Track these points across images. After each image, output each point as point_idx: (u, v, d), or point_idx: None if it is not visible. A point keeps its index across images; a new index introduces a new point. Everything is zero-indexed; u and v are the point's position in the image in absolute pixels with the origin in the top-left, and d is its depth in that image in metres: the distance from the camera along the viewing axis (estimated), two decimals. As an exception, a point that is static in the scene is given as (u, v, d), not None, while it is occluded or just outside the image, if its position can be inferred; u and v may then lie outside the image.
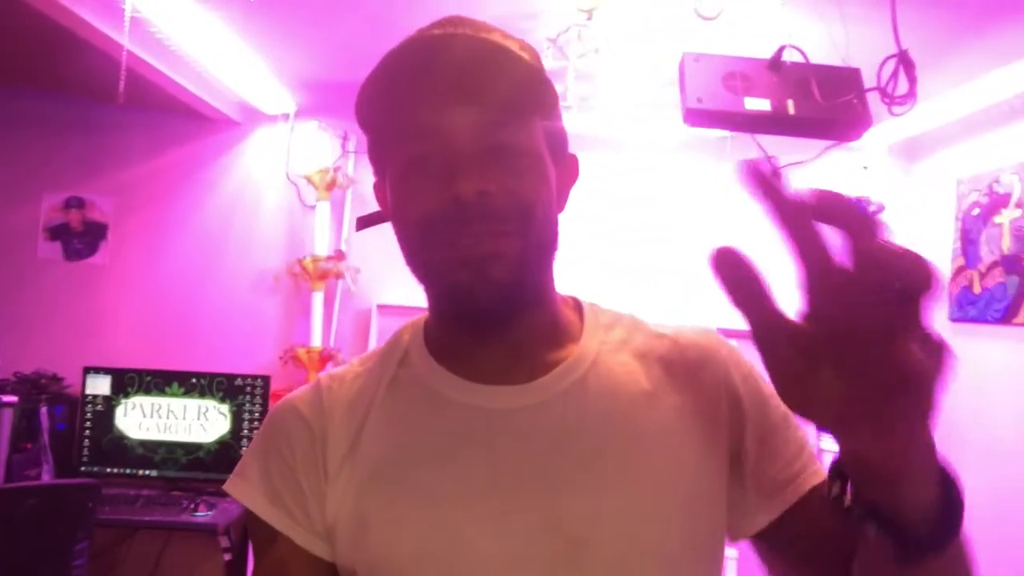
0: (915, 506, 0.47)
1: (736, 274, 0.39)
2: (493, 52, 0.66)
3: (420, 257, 0.68)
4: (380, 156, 0.72)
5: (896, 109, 1.51)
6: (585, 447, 0.67)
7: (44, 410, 2.69)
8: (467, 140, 0.64)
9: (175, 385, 2.85)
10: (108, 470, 2.79)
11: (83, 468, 2.77)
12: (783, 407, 0.65)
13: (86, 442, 2.81)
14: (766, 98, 1.58)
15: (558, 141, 0.72)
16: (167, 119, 3.10)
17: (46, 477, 2.62)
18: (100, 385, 2.83)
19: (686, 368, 0.72)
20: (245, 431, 2.83)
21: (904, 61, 1.49)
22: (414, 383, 0.72)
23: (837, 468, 0.50)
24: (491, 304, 0.65)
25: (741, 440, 0.70)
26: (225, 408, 2.84)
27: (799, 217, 0.37)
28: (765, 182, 0.37)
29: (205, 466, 2.81)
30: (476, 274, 0.64)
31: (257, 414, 2.84)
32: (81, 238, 3.16)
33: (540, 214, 0.66)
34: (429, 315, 0.76)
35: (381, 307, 3.03)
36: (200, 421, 2.84)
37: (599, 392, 0.69)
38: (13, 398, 2.63)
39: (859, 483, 0.48)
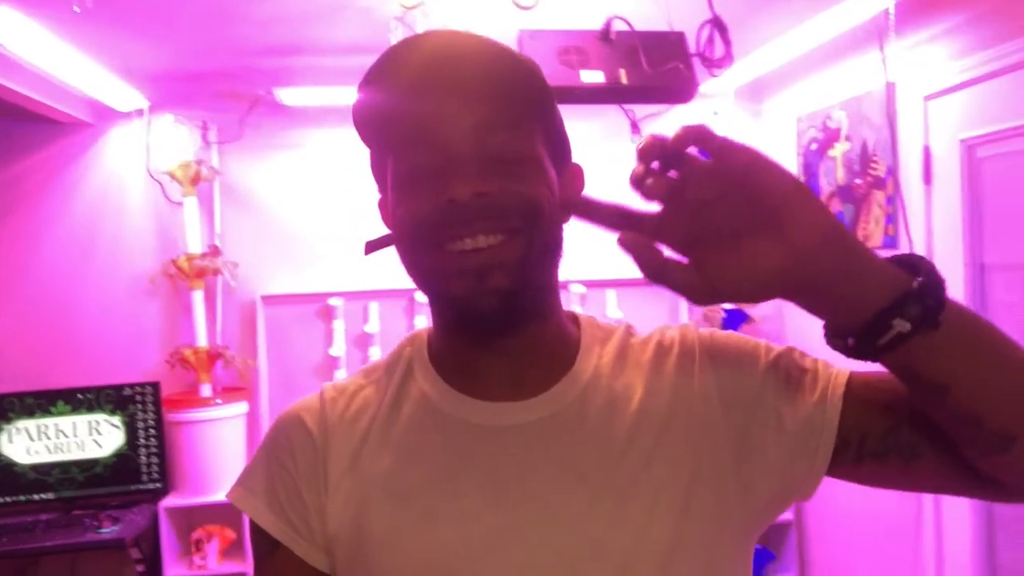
0: (877, 299, 0.52)
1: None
2: (492, 57, 0.66)
3: (418, 264, 0.66)
4: (382, 170, 0.70)
5: (716, 72, 1.62)
6: (583, 464, 0.67)
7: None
8: (464, 145, 0.63)
9: (60, 403, 2.77)
10: (1, 499, 2.71)
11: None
12: (773, 352, 0.70)
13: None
14: (600, 70, 1.67)
15: (560, 149, 0.71)
16: (15, 127, 2.93)
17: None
18: (-22, 414, 2.72)
19: (673, 368, 0.71)
20: (141, 440, 2.79)
21: (718, 26, 1.59)
22: (417, 399, 0.72)
23: (826, 334, 0.57)
24: (493, 313, 0.64)
25: (754, 414, 0.67)
26: (117, 420, 2.79)
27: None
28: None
29: (104, 481, 2.77)
30: (476, 283, 0.62)
31: (152, 421, 2.80)
32: (-66, 262, 2.98)
33: (544, 214, 0.64)
34: (433, 327, 0.75)
35: (265, 298, 3.01)
36: (93, 436, 2.78)
37: (597, 408, 0.69)
38: None
39: (820, 315, 0.55)
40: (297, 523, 0.70)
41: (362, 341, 3.07)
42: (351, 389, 0.75)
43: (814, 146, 2.73)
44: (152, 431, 2.80)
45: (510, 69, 0.66)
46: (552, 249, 0.67)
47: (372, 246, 0.73)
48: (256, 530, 0.72)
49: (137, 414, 2.79)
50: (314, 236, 3.05)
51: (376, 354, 3.00)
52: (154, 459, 2.79)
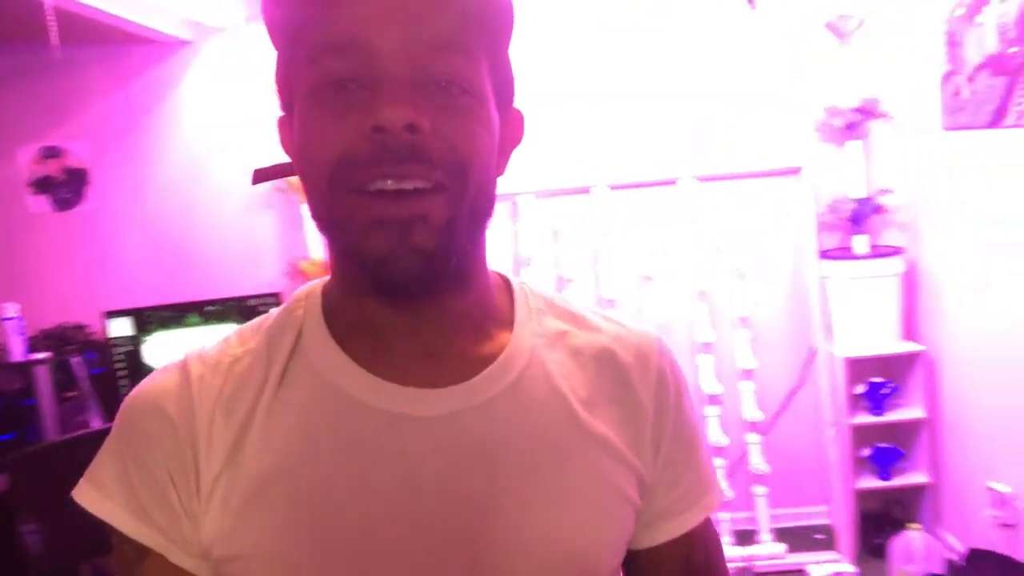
0: None
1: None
2: None
3: (328, 207, 0.55)
4: (289, 81, 0.57)
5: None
6: (515, 465, 0.59)
7: (76, 359, 2.81)
8: (399, 61, 0.52)
9: (193, 316, 2.93)
10: (149, 404, 2.94)
11: (126, 406, 2.91)
12: (696, 428, 0.68)
13: (123, 382, 2.94)
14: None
15: (506, 88, 0.60)
16: (117, 51, 3.00)
17: (95, 422, 2.77)
18: (122, 327, 2.93)
19: (621, 373, 0.64)
20: (268, 348, 2.94)
21: None
22: (310, 375, 0.59)
23: None
24: (412, 275, 0.54)
25: (656, 455, 0.65)
26: (244, 329, 2.93)
27: None
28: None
29: (238, 386, 2.95)
30: (396, 237, 0.52)
31: (276, 330, 2.92)
32: (66, 187, 3.16)
33: (477, 170, 0.55)
34: (332, 283, 0.63)
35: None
36: (224, 345, 2.94)
37: (532, 399, 0.60)
38: (47, 354, 2.75)
39: None
40: (169, 529, 0.58)
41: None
42: (224, 362, 0.60)
43: (961, 11, 2.40)
44: (277, 339, 2.93)
45: None
46: (484, 209, 0.58)
47: (262, 175, 0.63)
48: (117, 535, 0.59)
49: (262, 324, 2.92)
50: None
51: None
52: (281, 366, 2.93)
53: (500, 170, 0.61)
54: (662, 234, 3.03)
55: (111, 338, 2.92)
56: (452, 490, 0.57)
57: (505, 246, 3.01)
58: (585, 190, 2.97)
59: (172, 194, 3.14)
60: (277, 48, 0.58)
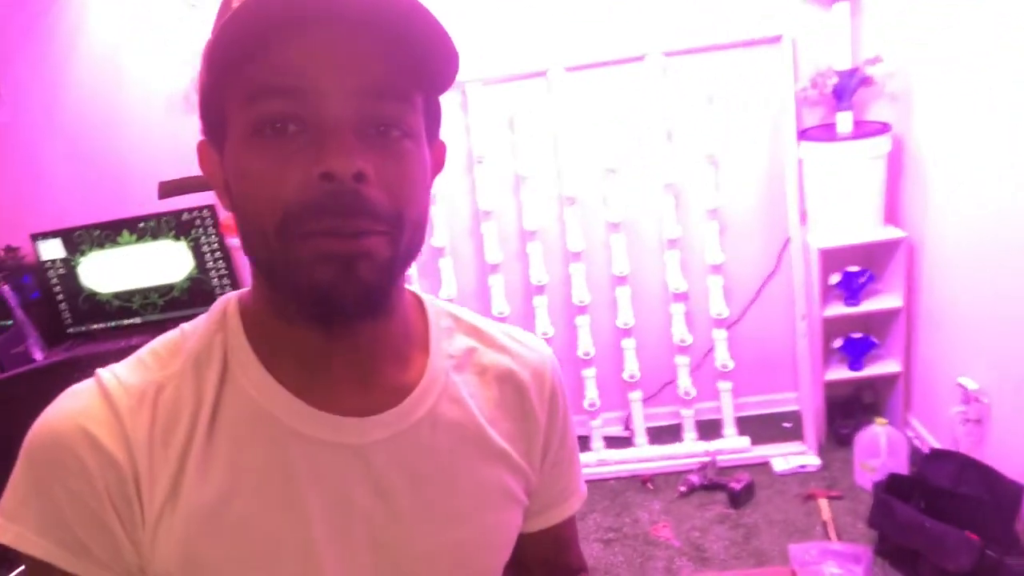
0: None
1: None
2: (401, 5, 0.53)
3: (276, 251, 0.55)
4: (220, 112, 0.57)
5: None
6: (436, 483, 0.65)
7: (5, 287, 2.67)
8: (348, 107, 0.53)
9: (126, 233, 2.76)
10: (95, 326, 2.84)
11: (70, 330, 2.82)
12: (574, 432, 0.80)
13: (63, 306, 2.82)
14: None
15: (436, 123, 0.63)
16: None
17: (36, 351, 2.68)
18: (53, 249, 2.76)
19: (519, 391, 0.72)
20: (210, 263, 2.78)
21: None
22: (244, 404, 0.61)
23: None
24: (354, 305, 0.56)
25: (544, 459, 0.75)
26: (182, 245, 2.76)
27: None
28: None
29: (182, 304, 2.83)
30: (343, 270, 0.54)
31: (216, 245, 2.76)
32: (-31, 96, 2.87)
33: (415, 215, 0.58)
34: (256, 307, 0.63)
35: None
36: (162, 262, 2.79)
37: (448, 421, 0.66)
38: (-26, 281, 2.61)
39: None
40: (110, 561, 0.58)
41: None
42: (149, 392, 0.60)
43: None
44: (218, 254, 2.77)
45: (413, 14, 0.53)
46: (417, 246, 0.60)
47: (169, 190, 0.55)
48: (48, 569, 0.57)
49: (201, 239, 2.75)
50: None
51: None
52: (225, 280, 2.80)
53: (430, 204, 0.64)
54: (627, 120, 2.77)
55: (43, 261, 2.76)
56: (382, 512, 0.62)
57: (456, 141, 2.76)
58: (541, 74, 2.68)
59: (91, 100, 2.84)
60: (210, 75, 0.56)
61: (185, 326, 0.65)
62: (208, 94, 0.57)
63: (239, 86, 0.54)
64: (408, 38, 0.54)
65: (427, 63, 0.56)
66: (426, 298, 0.72)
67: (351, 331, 0.61)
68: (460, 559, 0.66)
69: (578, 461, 0.82)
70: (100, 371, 0.61)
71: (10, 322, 2.63)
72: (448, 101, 2.72)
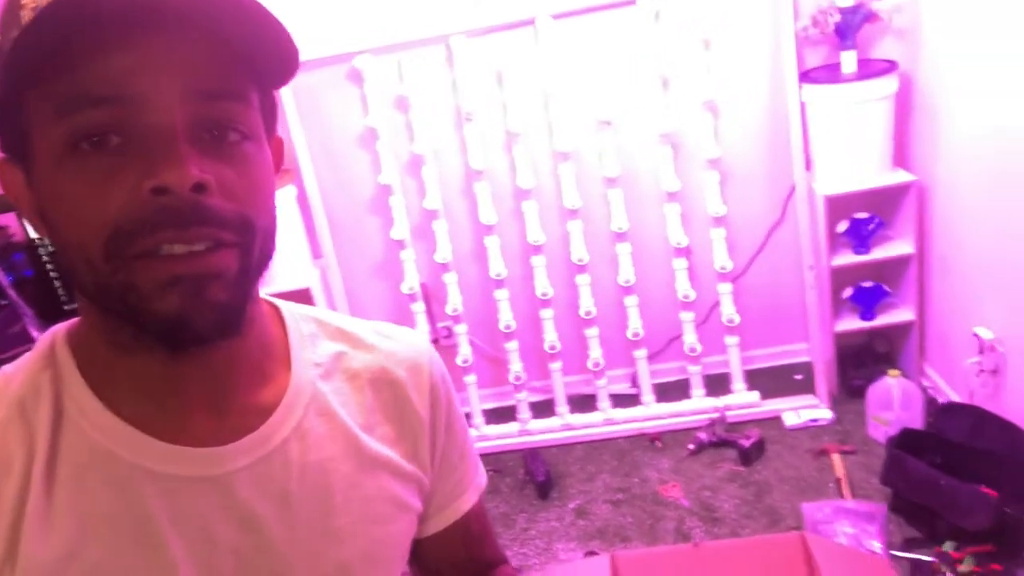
0: None
1: None
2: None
3: (106, 275, 0.50)
4: (21, 127, 0.51)
5: None
6: (310, 503, 0.60)
7: (-3, 266, 2.64)
8: (177, 111, 0.48)
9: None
10: (89, 303, 2.80)
11: (67, 307, 2.79)
12: (462, 418, 0.75)
13: (58, 283, 2.79)
14: None
15: (272, 118, 0.58)
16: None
17: (33, 330, 2.65)
18: (40, 227, 2.72)
19: (396, 390, 0.68)
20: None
21: None
22: (83, 447, 0.55)
23: None
24: (209, 329, 0.51)
25: (433, 455, 0.71)
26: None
27: None
28: None
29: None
30: (193, 293, 0.50)
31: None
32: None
33: (263, 221, 0.54)
34: (87, 339, 0.57)
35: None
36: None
37: (318, 436, 0.61)
38: (-37, 263, 2.58)
39: None
40: None
41: (400, 104, 2.71)
42: None
43: None
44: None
45: (239, 7, 0.48)
46: (269, 253, 0.56)
47: None
48: None
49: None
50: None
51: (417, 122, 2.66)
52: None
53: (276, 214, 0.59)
54: (620, 70, 2.65)
55: (32, 238, 2.72)
56: (251, 544, 0.57)
57: (443, 98, 2.66)
58: (528, 22, 2.57)
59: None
60: (6, 85, 0.49)
61: (6, 367, 0.58)
62: (6, 105, 0.50)
63: (45, 98, 0.48)
64: (237, 33, 0.49)
65: (261, 58, 0.52)
66: (283, 305, 0.67)
67: (202, 355, 0.55)
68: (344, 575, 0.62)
69: (472, 452, 0.77)
70: None
71: (5, 301, 2.61)
72: (432, 56, 2.63)
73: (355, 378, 0.66)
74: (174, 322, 0.50)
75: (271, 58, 0.53)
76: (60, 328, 0.60)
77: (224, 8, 0.48)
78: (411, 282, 2.79)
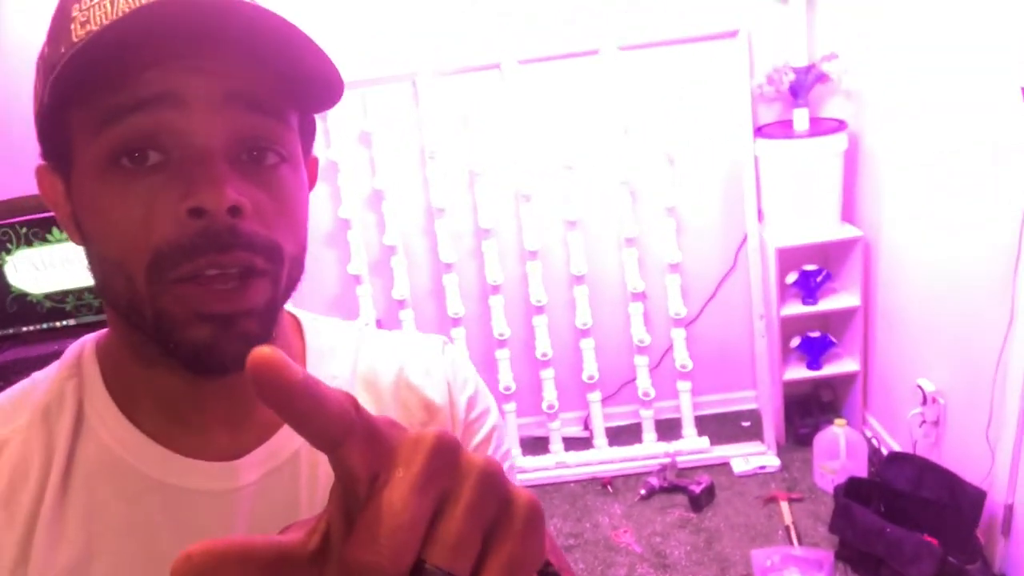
0: None
1: None
2: (270, 15, 0.48)
3: (145, 299, 0.50)
4: (63, 136, 0.50)
5: None
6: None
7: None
8: (217, 121, 0.48)
9: (55, 231, 2.60)
10: (24, 329, 2.68)
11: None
12: (489, 422, 0.69)
13: (-10, 308, 2.66)
14: None
15: (310, 139, 0.58)
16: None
17: None
18: (-23, 248, 2.60)
19: (416, 395, 0.66)
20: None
21: None
22: (101, 456, 0.55)
23: None
24: (233, 362, 0.51)
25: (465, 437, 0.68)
26: (118, 244, 2.62)
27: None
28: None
29: (120, 306, 2.68)
30: (222, 328, 0.50)
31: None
32: None
33: (294, 252, 0.53)
34: (115, 350, 0.57)
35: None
36: (98, 261, 2.64)
37: None
38: None
39: None
40: None
41: (364, 139, 2.70)
42: None
43: None
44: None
45: (283, 25, 0.48)
46: (298, 277, 0.56)
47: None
48: None
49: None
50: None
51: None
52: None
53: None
54: (582, 116, 2.70)
55: None
56: None
57: (409, 136, 2.67)
58: (494, 66, 2.60)
59: (16, 99, 2.68)
60: (53, 94, 0.48)
61: (37, 374, 0.59)
62: (49, 115, 0.50)
63: (91, 110, 0.48)
64: (283, 55, 0.50)
65: (301, 81, 0.52)
66: (304, 317, 0.67)
67: (226, 376, 0.55)
68: None
69: (502, 423, 0.74)
70: None
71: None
72: (399, 94, 2.63)
73: (372, 387, 0.65)
74: (203, 351, 0.50)
75: (313, 82, 0.52)
76: (90, 337, 0.61)
77: (266, 29, 0.48)
78: (366, 318, 2.75)
